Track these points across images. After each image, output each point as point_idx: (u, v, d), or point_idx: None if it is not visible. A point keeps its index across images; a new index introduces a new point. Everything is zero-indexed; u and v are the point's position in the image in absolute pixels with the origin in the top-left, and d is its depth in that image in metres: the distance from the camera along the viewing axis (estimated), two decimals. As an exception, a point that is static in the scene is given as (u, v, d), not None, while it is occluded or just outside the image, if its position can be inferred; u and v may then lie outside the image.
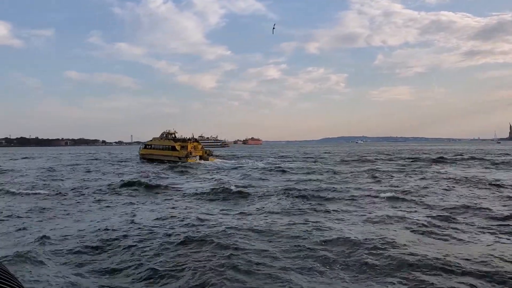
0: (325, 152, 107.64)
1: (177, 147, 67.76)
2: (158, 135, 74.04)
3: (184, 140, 69.91)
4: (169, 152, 68.42)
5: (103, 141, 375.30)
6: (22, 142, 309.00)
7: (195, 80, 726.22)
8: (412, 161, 58.73)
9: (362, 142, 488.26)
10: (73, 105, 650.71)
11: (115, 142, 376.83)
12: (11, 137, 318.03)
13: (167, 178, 37.92)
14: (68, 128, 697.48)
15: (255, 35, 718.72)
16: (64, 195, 24.53)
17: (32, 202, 21.73)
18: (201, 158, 67.86)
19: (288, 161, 66.19)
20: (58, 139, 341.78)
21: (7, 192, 25.93)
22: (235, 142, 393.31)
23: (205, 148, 73.88)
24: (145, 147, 75.10)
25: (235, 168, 51.55)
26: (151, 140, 75.05)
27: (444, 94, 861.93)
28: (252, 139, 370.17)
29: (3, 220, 16.88)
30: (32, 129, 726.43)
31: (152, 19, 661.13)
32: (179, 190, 27.00)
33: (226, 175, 40.50)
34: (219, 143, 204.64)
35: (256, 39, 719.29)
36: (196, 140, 71.97)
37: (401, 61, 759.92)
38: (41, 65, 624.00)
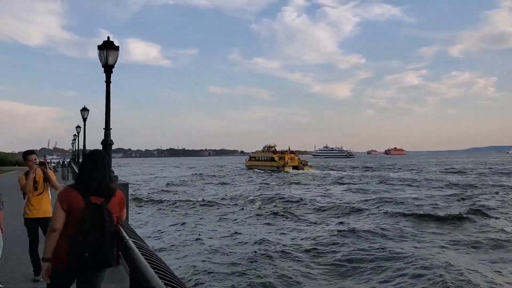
0: None
1: (276, 158, 75.16)
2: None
3: (282, 152, 78.10)
4: (269, 162, 76.47)
5: (242, 151, 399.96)
6: (172, 153, 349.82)
7: (329, 89, 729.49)
8: None
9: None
10: (215, 118, 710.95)
11: (252, 152, 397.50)
12: (162, 148, 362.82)
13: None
14: (210, 139, 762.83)
15: (391, 41, 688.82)
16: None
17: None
18: (296, 168, 72.87)
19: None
20: (202, 149, 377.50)
21: None
22: (368, 153, 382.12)
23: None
24: (250, 159, 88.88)
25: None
26: (254, 153, 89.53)
27: None
28: (395, 149, 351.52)
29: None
30: (180, 140, 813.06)
31: (287, 33, 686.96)
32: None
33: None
34: (343, 154, 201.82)
35: (393, 45, 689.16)
36: (292, 152, 79.19)
37: None
38: (187, 82, 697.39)
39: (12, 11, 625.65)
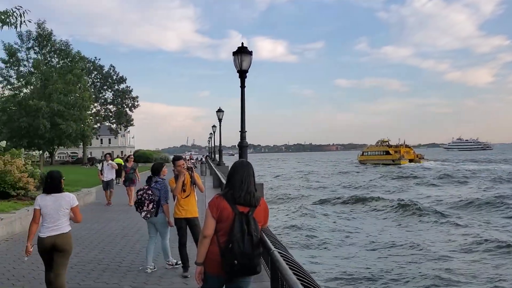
0: None
1: (391, 152, 77.31)
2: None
3: (396, 146, 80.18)
4: (384, 156, 78.60)
5: (371, 145, 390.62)
6: (298, 148, 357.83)
7: (467, 76, 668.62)
8: None
9: None
10: (343, 112, 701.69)
11: (365, 147, 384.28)
12: (289, 144, 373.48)
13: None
14: (338, 134, 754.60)
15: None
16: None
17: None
18: (412, 161, 74.45)
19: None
20: (328, 144, 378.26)
21: None
22: None
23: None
24: (362, 154, 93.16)
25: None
26: (368, 147, 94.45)
27: None
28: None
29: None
30: (307, 135, 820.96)
31: (417, 18, 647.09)
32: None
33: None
34: (479, 146, 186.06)
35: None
36: (407, 146, 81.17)
37: None
38: (314, 76, 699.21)
39: (152, 21, 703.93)
